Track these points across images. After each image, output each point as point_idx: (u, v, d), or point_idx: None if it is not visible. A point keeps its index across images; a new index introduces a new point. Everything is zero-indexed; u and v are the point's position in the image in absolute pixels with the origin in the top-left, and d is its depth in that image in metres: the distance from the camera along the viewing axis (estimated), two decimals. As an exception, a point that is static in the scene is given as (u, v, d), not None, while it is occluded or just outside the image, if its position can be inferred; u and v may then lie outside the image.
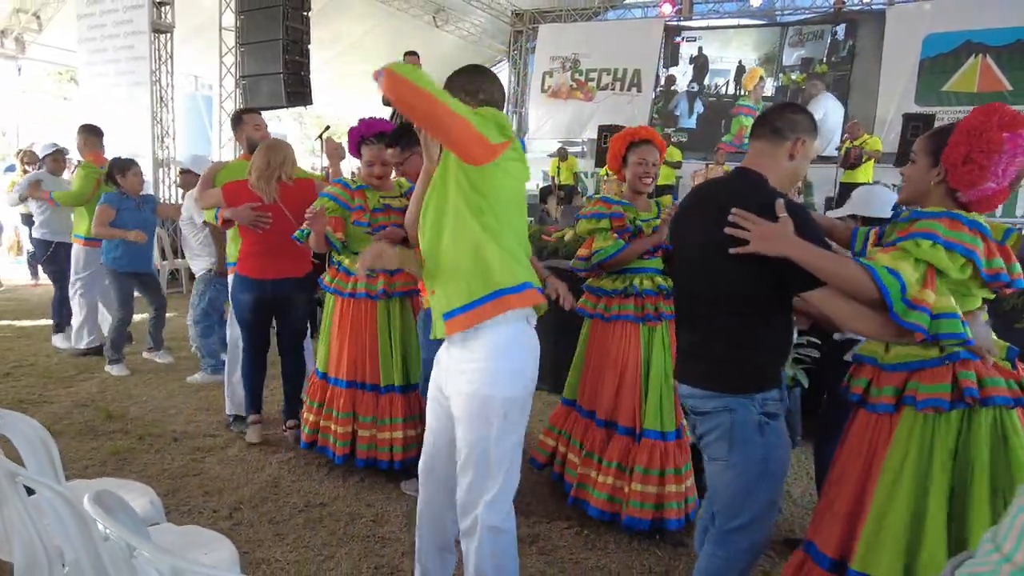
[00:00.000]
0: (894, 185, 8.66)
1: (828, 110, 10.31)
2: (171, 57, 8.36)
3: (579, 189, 11.29)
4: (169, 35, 8.31)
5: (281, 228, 3.23)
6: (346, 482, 3.10)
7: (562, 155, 11.27)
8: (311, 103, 7.74)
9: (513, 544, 1.91)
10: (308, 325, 3.68)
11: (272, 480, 3.11)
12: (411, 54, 6.88)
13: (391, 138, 2.91)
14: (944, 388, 1.62)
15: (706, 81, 11.71)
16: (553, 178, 10.97)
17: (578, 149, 12.53)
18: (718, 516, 1.88)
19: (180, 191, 6.37)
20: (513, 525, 1.91)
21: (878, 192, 2.68)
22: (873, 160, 8.36)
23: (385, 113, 7.45)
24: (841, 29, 10.59)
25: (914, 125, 8.76)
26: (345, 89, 14.23)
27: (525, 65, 13.90)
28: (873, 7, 10.54)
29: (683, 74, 11.85)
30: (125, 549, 0.96)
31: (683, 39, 11.87)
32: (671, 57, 11.85)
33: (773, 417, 1.78)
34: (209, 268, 4.41)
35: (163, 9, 8.20)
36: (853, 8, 10.68)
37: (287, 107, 7.07)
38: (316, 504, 2.90)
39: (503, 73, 14.42)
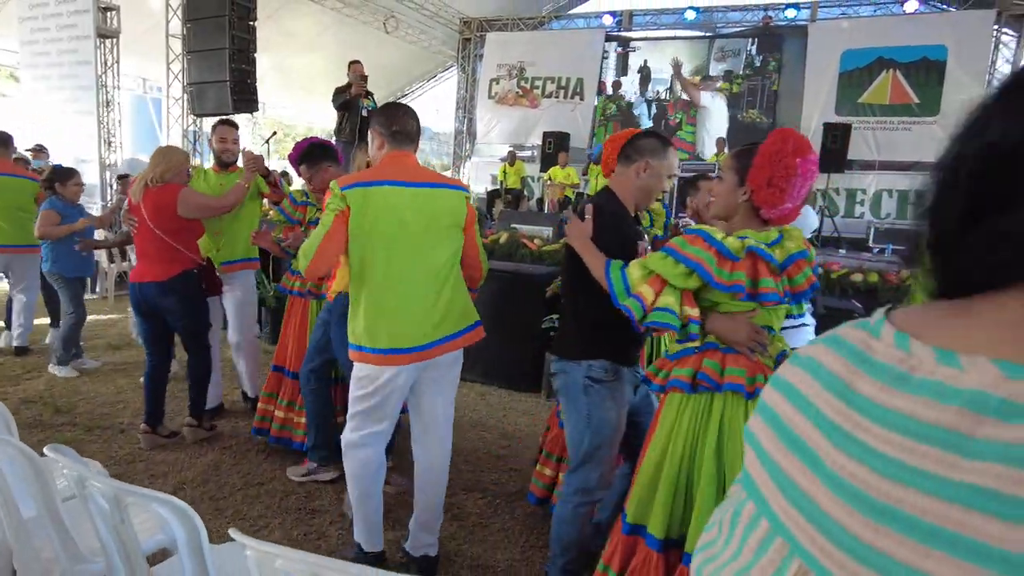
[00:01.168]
0: (818, 190, 9.35)
1: (714, 108, 11.91)
2: (117, 63, 8.40)
3: (526, 193, 11.72)
4: (115, 40, 8.35)
5: (142, 231, 3.38)
6: (283, 464, 3.40)
7: (510, 159, 11.67)
8: (257, 109, 7.96)
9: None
10: (197, 326, 3.58)
11: (214, 464, 3.39)
12: (355, 63, 7.22)
13: (300, 157, 3.22)
14: (687, 372, 1.84)
15: (649, 88, 12.35)
16: (501, 182, 11.37)
17: (528, 154, 12.96)
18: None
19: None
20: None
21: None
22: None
23: (334, 116, 7.73)
24: (754, 48, 11.61)
25: (833, 134, 9.45)
26: (296, 92, 14.36)
27: (473, 72, 14.26)
28: (797, 22, 11.24)
29: (632, 82, 12.45)
30: (78, 481, 1.27)
31: (628, 49, 12.46)
32: (622, 67, 12.50)
33: (599, 382, 2.15)
34: None
35: (109, 15, 8.25)
36: (780, 23, 11.38)
37: (233, 114, 7.25)
38: (254, 483, 3.20)
39: (452, 80, 14.77)
